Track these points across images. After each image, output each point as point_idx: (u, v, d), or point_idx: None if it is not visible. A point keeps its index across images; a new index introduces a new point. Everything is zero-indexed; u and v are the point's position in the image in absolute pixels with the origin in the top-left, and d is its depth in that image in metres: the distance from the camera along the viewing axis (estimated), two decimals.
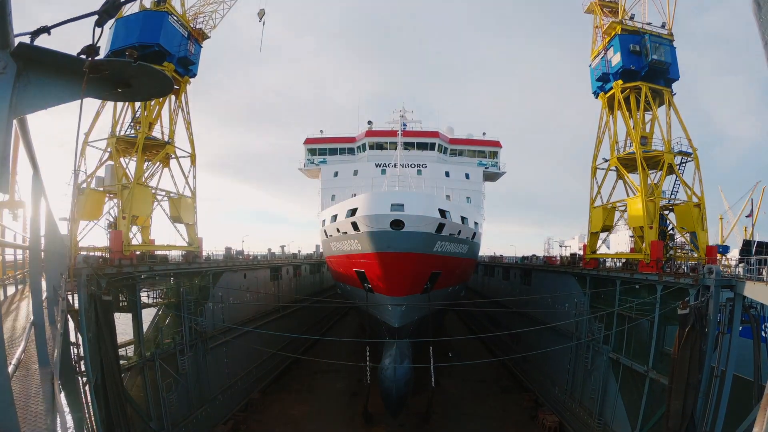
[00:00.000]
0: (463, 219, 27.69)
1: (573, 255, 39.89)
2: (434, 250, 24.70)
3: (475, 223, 32.43)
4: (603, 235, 33.28)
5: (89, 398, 16.40)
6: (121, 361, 19.72)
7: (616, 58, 29.08)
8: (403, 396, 24.81)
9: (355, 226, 24.32)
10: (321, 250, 48.30)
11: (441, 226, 23.98)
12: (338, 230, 27.42)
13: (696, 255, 26.69)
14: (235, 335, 29.56)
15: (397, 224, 22.14)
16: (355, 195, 30.79)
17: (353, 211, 24.35)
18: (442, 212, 24.27)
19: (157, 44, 26.45)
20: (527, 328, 30.65)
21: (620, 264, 30.28)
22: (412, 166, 38.96)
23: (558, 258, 45.96)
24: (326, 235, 31.88)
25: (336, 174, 41.81)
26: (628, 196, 29.88)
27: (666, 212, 28.64)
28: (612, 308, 24.91)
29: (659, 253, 24.90)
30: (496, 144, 44.66)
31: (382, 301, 25.35)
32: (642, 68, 28.11)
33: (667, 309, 20.68)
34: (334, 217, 28.00)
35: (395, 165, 32.00)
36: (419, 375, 26.38)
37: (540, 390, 32.39)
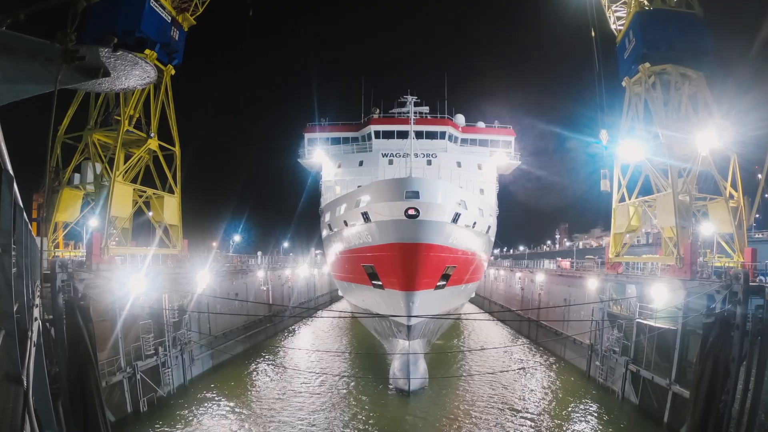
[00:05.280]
0: (479, 210, 27.55)
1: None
2: (449, 242, 24.45)
3: (490, 216, 32.33)
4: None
5: (63, 414, 16.35)
6: (100, 373, 19.66)
7: (634, 41, 28.29)
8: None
9: (365, 216, 24.23)
10: (322, 249, 48.10)
11: (457, 216, 23.81)
12: (345, 222, 27.36)
13: (733, 258, 25.58)
14: (223, 344, 29.52)
15: (412, 213, 21.93)
16: (360, 187, 30.68)
17: (364, 201, 24.32)
18: (459, 202, 24.18)
19: (138, 30, 26.40)
20: (539, 336, 30.63)
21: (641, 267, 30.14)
22: (422, 155, 38.71)
23: (572, 260, 45.97)
24: (330, 229, 31.76)
25: (339, 165, 41.74)
26: (656, 192, 28.57)
27: (699, 210, 27.79)
28: (631, 316, 24.86)
29: (694, 256, 23.89)
30: (510, 133, 44.54)
31: (393, 298, 25.23)
32: (665, 49, 27.06)
33: (691, 317, 20.64)
34: (340, 209, 27.99)
35: (405, 155, 31.65)
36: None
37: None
